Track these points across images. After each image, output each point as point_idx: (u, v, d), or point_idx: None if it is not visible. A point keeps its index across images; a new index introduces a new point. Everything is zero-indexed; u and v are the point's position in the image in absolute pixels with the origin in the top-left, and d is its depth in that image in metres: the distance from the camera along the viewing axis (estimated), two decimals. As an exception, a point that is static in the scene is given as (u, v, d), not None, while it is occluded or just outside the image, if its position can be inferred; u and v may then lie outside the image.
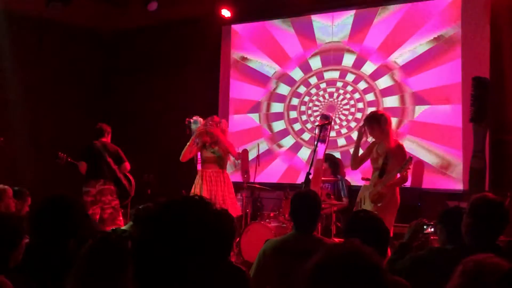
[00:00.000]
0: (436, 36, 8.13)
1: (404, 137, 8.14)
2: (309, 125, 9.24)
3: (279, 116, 9.56)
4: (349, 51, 8.89)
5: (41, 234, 2.79)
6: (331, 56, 9.07)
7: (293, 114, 9.45)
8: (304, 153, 9.12)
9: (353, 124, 8.85)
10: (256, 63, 9.76)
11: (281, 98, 9.56)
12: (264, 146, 9.48)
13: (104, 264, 2.23)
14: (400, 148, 5.99)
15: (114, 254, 2.24)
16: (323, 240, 3.91)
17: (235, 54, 9.98)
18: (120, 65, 11.07)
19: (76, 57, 10.44)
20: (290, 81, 9.46)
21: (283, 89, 9.52)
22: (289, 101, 9.47)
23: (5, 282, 2.43)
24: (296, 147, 9.30)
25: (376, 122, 6.04)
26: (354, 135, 8.65)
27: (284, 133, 9.49)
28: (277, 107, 9.59)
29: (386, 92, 8.56)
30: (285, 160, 9.35)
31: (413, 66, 8.31)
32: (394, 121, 7.41)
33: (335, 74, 9.07)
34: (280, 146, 9.48)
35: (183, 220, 1.58)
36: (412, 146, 8.05)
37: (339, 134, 8.94)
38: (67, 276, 2.24)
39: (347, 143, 8.81)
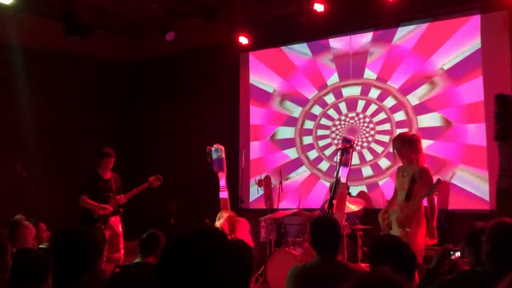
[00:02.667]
0: (456, 55, 8.06)
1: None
2: (328, 152, 9.14)
3: (290, 143, 9.51)
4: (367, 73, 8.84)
5: (57, 267, 2.77)
6: (350, 68, 8.99)
7: (308, 140, 9.37)
8: (327, 179, 9.03)
9: (379, 149, 8.72)
10: (271, 88, 9.75)
11: (293, 122, 9.52)
12: (285, 171, 9.42)
13: None
14: (427, 171, 5.87)
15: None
16: (348, 265, 3.86)
17: (254, 81, 9.99)
18: (140, 94, 11.14)
19: (95, 88, 10.54)
20: (303, 102, 9.42)
21: (296, 112, 9.49)
22: (302, 124, 9.41)
23: None
24: (315, 176, 9.20)
25: (406, 143, 5.94)
26: (382, 163, 8.55)
27: (298, 163, 9.41)
28: (288, 132, 9.56)
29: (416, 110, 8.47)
30: (309, 184, 9.26)
31: (438, 86, 8.23)
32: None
33: (356, 90, 8.95)
34: (287, 179, 9.43)
35: (203, 252, 1.56)
36: (436, 167, 7.94)
37: (363, 161, 8.79)
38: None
39: (374, 173, 8.66)
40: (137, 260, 4.60)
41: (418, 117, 8.36)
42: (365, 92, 8.86)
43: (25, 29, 9.00)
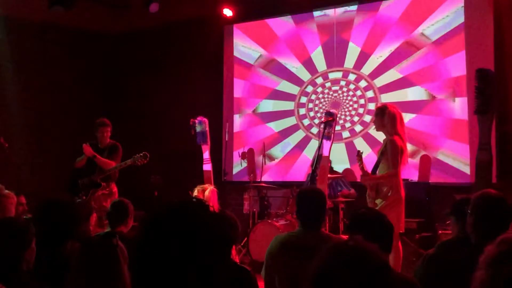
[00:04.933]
0: (438, 29, 8.10)
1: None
2: (316, 121, 9.27)
3: (288, 113, 9.56)
4: (351, 47, 8.88)
5: (39, 236, 2.81)
6: (335, 56, 9.07)
7: (302, 111, 9.47)
8: (311, 151, 9.10)
9: (355, 118, 8.90)
10: (258, 60, 9.75)
11: (289, 97, 9.55)
12: (269, 145, 9.46)
13: (96, 264, 2.27)
14: (394, 142, 5.81)
15: (107, 254, 2.28)
16: (331, 236, 3.91)
17: (238, 53, 9.97)
18: (123, 66, 11.07)
19: (79, 59, 10.46)
20: (298, 81, 9.47)
21: (291, 88, 9.52)
22: (299, 99, 9.48)
23: None
24: (303, 143, 9.28)
25: (379, 114, 6.02)
26: (357, 128, 8.73)
27: (294, 129, 9.49)
28: (285, 105, 9.59)
29: (387, 88, 8.54)
30: (292, 158, 9.34)
31: (417, 60, 8.29)
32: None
33: (338, 75, 9.11)
34: (272, 158, 9.49)
35: (186, 223, 1.57)
36: (418, 140, 8.03)
37: (343, 128, 8.97)
38: (66, 277, 2.25)
39: (351, 135, 8.88)
40: (107, 230, 4.58)
41: (402, 90, 8.43)
42: (345, 76, 9.07)
43: (8, 0, 8.89)
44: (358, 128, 8.85)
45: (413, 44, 8.34)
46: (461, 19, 7.94)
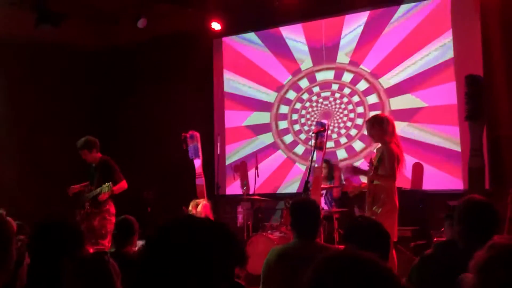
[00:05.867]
0: (427, 37, 8.13)
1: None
2: (303, 136, 9.20)
3: (266, 128, 9.52)
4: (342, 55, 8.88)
5: (35, 254, 2.77)
6: (323, 54, 9.03)
7: (283, 124, 9.39)
8: (303, 163, 9.09)
9: (353, 132, 8.77)
10: (245, 73, 9.75)
11: (268, 107, 9.51)
12: (261, 157, 9.44)
13: (89, 281, 2.25)
14: (390, 150, 5.79)
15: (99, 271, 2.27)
16: (327, 246, 3.91)
17: (227, 66, 9.97)
18: (113, 82, 11.02)
19: (68, 76, 10.40)
20: (278, 87, 9.42)
21: (272, 97, 9.49)
22: (277, 109, 9.42)
23: None
24: (295, 154, 9.25)
25: (376, 124, 5.97)
26: (356, 145, 8.62)
27: (274, 147, 9.44)
28: (264, 117, 9.55)
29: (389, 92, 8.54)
30: (285, 169, 9.31)
31: (406, 69, 8.31)
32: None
33: (329, 75, 8.98)
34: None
35: (190, 242, 1.56)
36: (410, 147, 8.03)
37: (338, 144, 8.84)
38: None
39: (348, 155, 8.71)
40: (112, 250, 4.42)
41: (391, 99, 8.43)
42: (338, 76, 8.90)
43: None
44: (357, 144, 8.72)
45: (402, 55, 8.36)
46: (448, 26, 7.97)
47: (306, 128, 9.13)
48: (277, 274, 3.75)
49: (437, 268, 3.13)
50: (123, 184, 7.10)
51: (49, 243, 2.83)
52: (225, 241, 1.63)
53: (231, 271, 1.66)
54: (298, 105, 9.25)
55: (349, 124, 8.78)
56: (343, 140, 8.80)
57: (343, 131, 8.81)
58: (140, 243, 6.36)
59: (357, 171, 6.27)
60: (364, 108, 8.68)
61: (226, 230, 1.67)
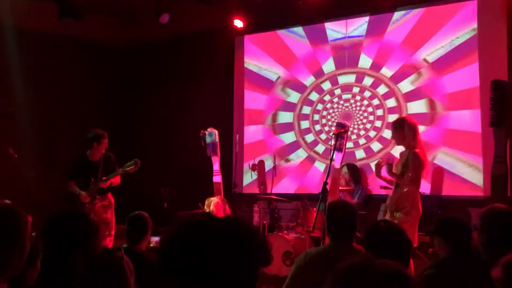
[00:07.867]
0: (452, 40, 8.00)
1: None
2: (323, 136, 9.12)
3: (288, 127, 9.47)
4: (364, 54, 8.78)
5: (49, 249, 2.73)
6: (346, 57, 8.95)
7: (305, 124, 9.33)
8: (321, 163, 9.01)
9: (372, 134, 8.69)
10: (268, 72, 9.68)
11: (291, 107, 9.46)
12: (279, 156, 9.39)
13: (102, 278, 2.21)
14: (416, 155, 5.77)
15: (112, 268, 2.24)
16: (362, 250, 3.82)
17: (249, 64, 9.92)
18: (135, 78, 11.04)
19: (89, 71, 10.43)
20: (301, 88, 9.35)
21: (294, 97, 9.43)
22: (300, 110, 9.36)
23: None
24: (311, 159, 9.18)
25: (398, 127, 5.94)
26: (374, 146, 8.54)
27: (295, 146, 9.37)
28: (286, 117, 9.50)
29: (406, 97, 8.43)
30: (303, 170, 9.23)
31: (430, 72, 8.19)
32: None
33: (351, 78, 8.94)
34: (288, 160, 9.38)
35: (213, 242, 1.52)
36: (431, 152, 7.92)
37: (357, 145, 8.79)
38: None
39: (367, 155, 8.66)
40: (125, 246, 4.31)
41: (409, 103, 8.33)
42: (359, 80, 8.84)
43: (19, 11, 8.87)
44: (375, 145, 8.64)
45: (423, 59, 8.25)
46: (474, 30, 7.84)
47: (326, 128, 9.05)
48: (309, 278, 3.64)
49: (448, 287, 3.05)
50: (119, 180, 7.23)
51: (61, 237, 2.80)
52: (246, 241, 1.57)
53: (253, 272, 1.60)
54: (319, 106, 9.18)
55: (368, 126, 8.70)
56: (362, 141, 8.72)
57: (362, 132, 8.73)
58: (154, 239, 6.38)
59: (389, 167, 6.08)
60: (384, 111, 8.60)
61: (248, 229, 1.61)
